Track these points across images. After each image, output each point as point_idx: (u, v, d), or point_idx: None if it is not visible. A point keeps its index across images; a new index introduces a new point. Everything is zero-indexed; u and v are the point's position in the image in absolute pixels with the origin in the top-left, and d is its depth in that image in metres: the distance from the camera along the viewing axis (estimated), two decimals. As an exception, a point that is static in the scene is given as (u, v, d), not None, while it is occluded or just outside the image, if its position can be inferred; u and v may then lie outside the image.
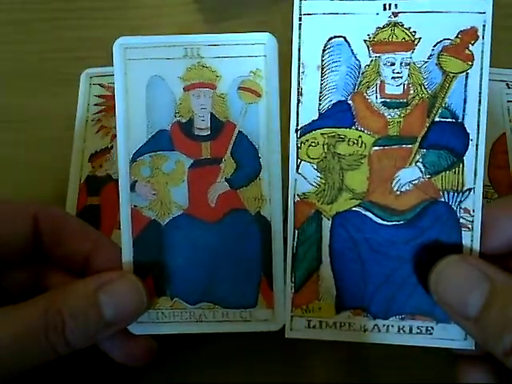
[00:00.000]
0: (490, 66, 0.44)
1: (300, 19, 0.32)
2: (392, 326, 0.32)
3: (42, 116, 0.48)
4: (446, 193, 0.31)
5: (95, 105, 0.46)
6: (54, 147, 0.46)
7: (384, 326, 0.32)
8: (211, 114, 0.34)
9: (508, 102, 0.43)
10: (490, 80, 0.44)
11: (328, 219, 0.32)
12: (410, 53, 0.31)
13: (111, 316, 0.31)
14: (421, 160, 0.32)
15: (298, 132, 0.32)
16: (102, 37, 0.46)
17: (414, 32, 0.31)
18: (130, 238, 0.33)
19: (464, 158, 0.31)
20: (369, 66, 0.32)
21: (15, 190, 0.46)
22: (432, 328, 0.32)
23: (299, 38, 0.32)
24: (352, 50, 0.32)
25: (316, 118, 0.32)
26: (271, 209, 0.33)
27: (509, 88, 0.44)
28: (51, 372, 0.34)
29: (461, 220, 0.31)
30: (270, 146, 0.33)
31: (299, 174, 0.32)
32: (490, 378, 0.32)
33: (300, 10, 0.31)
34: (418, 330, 0.32)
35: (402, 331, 0.32)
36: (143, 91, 0.33)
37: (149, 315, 0.33)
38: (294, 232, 0.32)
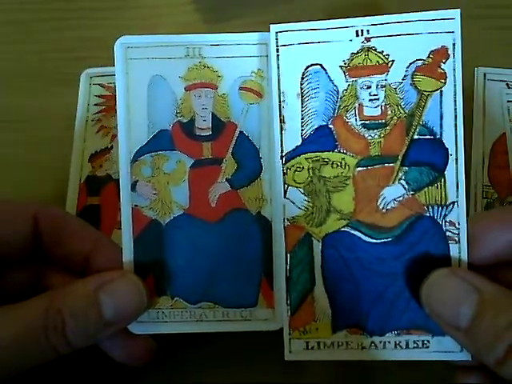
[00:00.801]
0: (491, 67, 0.45)
1: (277, 50, 0.33)
2: (389, 342, 0.32)
3: (41, 116, 0.48)
4: (430, 207, 0.32)
5: (95, 105, 0.46)
6: (54, 147, 0.46)
7: (381, 342, 0.32)
8: (212, 114, 0.34)
9: (508, 101, 0.43)
10: (490, 80, 0.44)
11: (318, 241, 0.33)
12: (384, 75, 0.32)
13: (111, 316, 0.31)
14: (403, 177, 0.32)
15: (283, 158, 0.33)
16: (102, 37, 0.46)
17: (387, 55, 0.32)
18: (131, 237, 0.33)
19: (445, 172, 0.32)
20: (346, 90, 0.33)
21: (15, 190, 0.45)
22: (428, 341, 0.32)
23: (278, 68, 0.33)
24: (329, 77, 0.33)
25: (299, 143, 0.33)
26: (272, 209, 0.33)
27: (509, 88, 0.44)
28: (51, 372, 0.34)
29: (447, 233, 0.32)
30: (271, 146, 0.33)
31: (287, 198, 0.33)
32: None
33: (276, 41, 0.33)
34: (415, 345, 0.32)
35: (398, 346, 0.32)
36: (144, 91, 0.33)
37: (149, 315, 0.33)
38: (286, 256, 0.33)
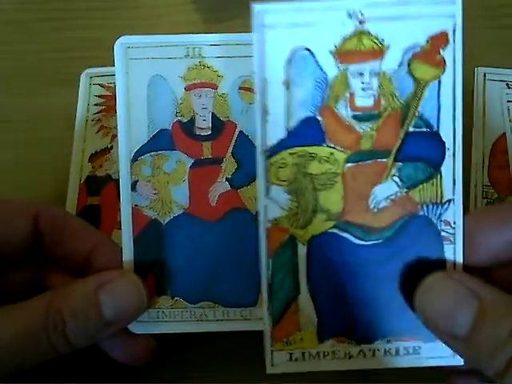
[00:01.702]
0: (491, 67, 0.45)
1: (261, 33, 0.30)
2: (378, 349, 0.31)
3: (41, 116, 0.48)
4: (424, 206, 0.30)
5: (95, 105, 0.46)
6: (54, 147, 0.46)
7: (370, 350, 0.31)
8: (212, 113, 0.34)
9: (508, 101, 0.44)
10: (490, 80, 0.44)
11: (303, 244, 0.30)
12: (379, 62, 0.30)
13: (111, 315, 0.30)
14: (397, 174, 0.30)
15: (266, 153, 0.30)
16: (102, 37, 0.46)
17: (383, 40, 0.30)
18: (131, 237, 0.33)
19: (441, 168, 0.30)
20: (336, 77, 0.30)
21: (15, 190, 0.46)
22: (419, 347, 0.31)
23: (261, 52, 0.29)
24: (318, 63, 0.30)
25: (284, 136, 0.30)
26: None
27: (509, 88, 0.44)
28: (51, 372, 0.34)
29: (442, 233, 0.30)
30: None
31: (269, 198, 0.30)
32: None
33: (260, 23, 0.29)
34: (405, 351, 0.31)
35: (388, 354, 0.31)
36: (144, 90, 0.33)
37: (149, 314, 0.33)
38: (268, 261, 0.30)
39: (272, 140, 0.30)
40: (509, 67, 0.45)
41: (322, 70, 0.30)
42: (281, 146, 0.30)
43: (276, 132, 0.30)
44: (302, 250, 0.31)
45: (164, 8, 0.51)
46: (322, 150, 0.30)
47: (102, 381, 0.38)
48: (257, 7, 0.29)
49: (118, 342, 0.33)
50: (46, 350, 0.29)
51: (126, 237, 0.33)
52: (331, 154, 0.30)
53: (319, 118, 0.30)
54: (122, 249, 0.33)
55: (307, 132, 0.30)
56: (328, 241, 0.31)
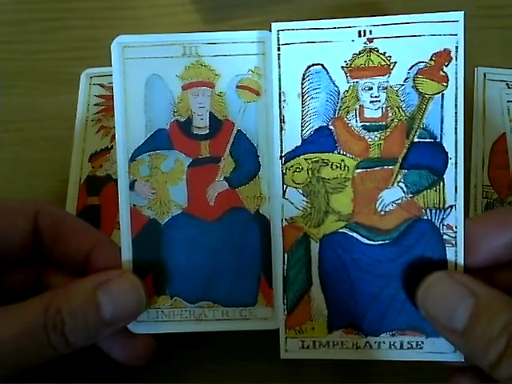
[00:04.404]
0: (491, 67, 0.45)
1: (278, 49, 0.32)
2: (383, 342, 0.33)
3: (41, 116, 0.48)
4: (428, 211, 0.32)
5: (95, 105, 0.46)
6: (54, 147, 0.46)
7: (375, 342, 0.33)
8: (210, 112, 0.34)
9: (508, 102, 0.43)
10: (490, 80, 0.44)
11: (316, 242, 0.33)
12: (386, 77, 0.32)
13: (110, 315, 0.31)
14: (402, 180, 0.32)
15: (283, 159, 0.33)
16: (101, 37, 0.46)
17: (390, 56, 0.32)
18: (130, 237, 0.33)
19: (444, 176, 0.32)
20: (347, 91, 0.33)
21: (15, 189, 0.46)
22: (422, 342, 0.32)
23: (279, 67, 0.32)
24: (330, 77, 0.33)
25: (299, 144, 0.33)
26: (270, 207, 0.33)
27: (509, 88, 0.44)
28: (51, 372, 0.34)
29: (444, 236, 0.32)
30: (269, 144, 0.33)
31: (286, 199, 0.33)
32: None
33: (278, 40, 0.32)
34: (409, 345, 0.33)
35: (393, 347, 0.33)
36: (142, 90, 0.33)
37: (148, 314, 0.34)
38: (284, 256, 0.33)
39: (288, 147, 0.33)
40: (509, 67, 0.45)
41: (334, 84, 0.33)
42: (296, 152, 0.33)
43: (292, 140, 0.33)
44: (315, 247, 0.33)
45: (164, 8, 0.51)
46: (333, 157, 0.33)
47: (102, 381, 0.38)
48: (275, 25, 0.32)
49: (117, 342, 0.33)
50: (45, 349, 0.30)
51: (125, 237, 0.33)
52: (342, 160, 0.33)
53: (331, 127, 0.33)
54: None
55: (320, 140, 0.33)
56: (339, 239, 0.33)
